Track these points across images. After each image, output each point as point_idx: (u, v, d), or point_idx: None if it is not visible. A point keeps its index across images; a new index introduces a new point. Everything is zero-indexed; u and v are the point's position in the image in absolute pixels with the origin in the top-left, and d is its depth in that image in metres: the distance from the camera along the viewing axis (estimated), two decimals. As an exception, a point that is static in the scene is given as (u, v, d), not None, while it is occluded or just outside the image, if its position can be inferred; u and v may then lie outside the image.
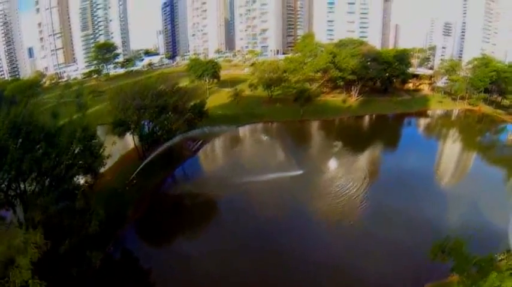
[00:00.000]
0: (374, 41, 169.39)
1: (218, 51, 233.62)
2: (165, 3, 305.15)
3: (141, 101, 57.74)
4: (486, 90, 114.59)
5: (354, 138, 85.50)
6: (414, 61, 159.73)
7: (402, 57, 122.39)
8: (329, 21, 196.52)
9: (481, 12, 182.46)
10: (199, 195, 53.68)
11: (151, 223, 46.27)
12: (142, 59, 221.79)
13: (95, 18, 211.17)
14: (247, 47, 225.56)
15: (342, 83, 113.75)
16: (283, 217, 46.46)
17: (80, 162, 37.81)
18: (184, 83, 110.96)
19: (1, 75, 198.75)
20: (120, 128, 57.36)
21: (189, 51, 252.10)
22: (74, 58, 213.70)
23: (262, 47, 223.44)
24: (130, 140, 63.77)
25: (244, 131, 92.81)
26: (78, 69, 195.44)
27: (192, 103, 70.35)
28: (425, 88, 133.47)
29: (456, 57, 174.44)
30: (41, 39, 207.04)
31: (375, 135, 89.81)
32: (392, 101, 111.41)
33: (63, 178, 34.94)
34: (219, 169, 68.28)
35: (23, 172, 32.31)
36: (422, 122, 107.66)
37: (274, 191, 53.65)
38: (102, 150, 41.98)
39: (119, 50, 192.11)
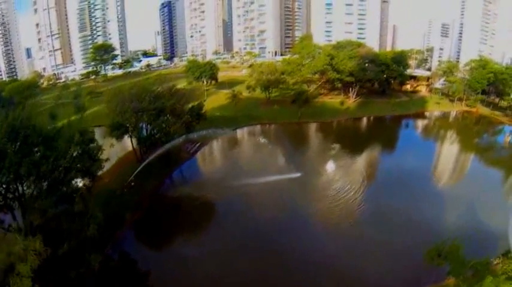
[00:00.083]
0: (372, 42, 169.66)
1: (216, 53, 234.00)
2: (163, 4, 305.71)
3: (139, 104, 57.76)
4: (484, 92, 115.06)
5: (352, 140, 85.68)
6: (412, 62, 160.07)
7: (400, 59, 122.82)
8: (327, 22, 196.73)
9: (479, 13, 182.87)
10: (197, 197, 53.47)
11: (150, 224, 46.24)
12: (140, 60, 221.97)
13: (93, 19, 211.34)
14: (245, 48, 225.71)
15: (339, 85, 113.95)
16: (282, 218, 46.59)
17: (78, 165, 37.92)
18: (182, 84, 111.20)
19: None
20: (118, 131, 57.32)
21: (187, 53, 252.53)
22: (72, 59, 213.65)
23: (260, 48, 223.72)
24: (128, 142, 63.70)
25: (242, 133, 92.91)
26: (76, 70, 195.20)
27: (190, 105, 70.41)
28: (423, 90, 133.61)
29: (454, 58, 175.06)
30: (39, 40, 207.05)
31: (372, 137, 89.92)
32: (390, 102, 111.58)
33: (62, 181, 35.09)
34: (217, 171, 68.34)
35: (21, 175, 32.37)
36: (420, 123, 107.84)
37: (273, 193, 53.79)
38: (100, 153, 42.03)
39: (117, 51, 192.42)
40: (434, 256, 25.68)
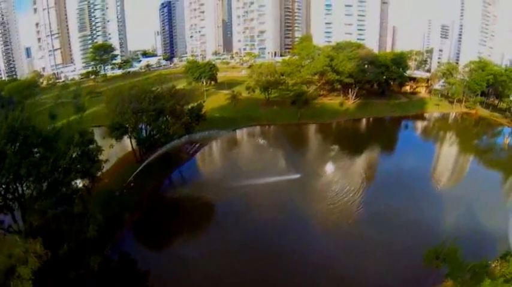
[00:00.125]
0: (371, 43, 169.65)
1: (216, 53, 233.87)
2: (162, 4, 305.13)
3: (138, 105, 57.83)
4: (483, 94, 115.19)
5: (351, 142, 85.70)
6: (411, 64, 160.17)
7: (399, 60, 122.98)
8: (327, 23, 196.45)
9: (478, 15, 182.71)
10: (197, 198, 53.56)
11: (149, 225, 46.31)
12: (140, 60, 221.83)
13: (93, 19, 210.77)
14: (244, 49, 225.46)
15: (339, 86, 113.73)
16: (281, 219, 46.71)
17: (78, 166, 37.91)
18: (181, 84, 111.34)
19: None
20: (117, 131, 57.36)
21: (186, 53, 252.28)
22: (72, 59, 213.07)
23: (260, 49, 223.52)
24: (127, 142, 63.78)
25: (241, 134, 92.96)
26: (75, 70, 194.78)
27: (189, 106, 70.42)
28: (422, 91, 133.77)
29: (453, 60, 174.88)
30: (39, 39, 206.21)
31: (372, 138, 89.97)
32: (390, 104, 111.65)
33: (61, 182, 35.10)
34: (217, 172, 68.41)
35: (21, 176, 32.39)
36: (420, 125, 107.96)
37: (272, 194, 53.82)
38: (99, 154, 42.05)
39: (117, 51, 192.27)
40: (432, 258, 25.71)
